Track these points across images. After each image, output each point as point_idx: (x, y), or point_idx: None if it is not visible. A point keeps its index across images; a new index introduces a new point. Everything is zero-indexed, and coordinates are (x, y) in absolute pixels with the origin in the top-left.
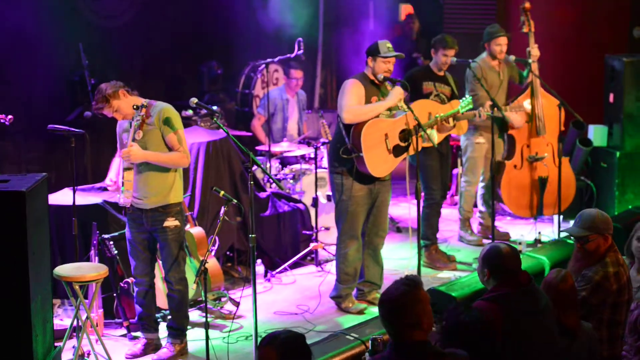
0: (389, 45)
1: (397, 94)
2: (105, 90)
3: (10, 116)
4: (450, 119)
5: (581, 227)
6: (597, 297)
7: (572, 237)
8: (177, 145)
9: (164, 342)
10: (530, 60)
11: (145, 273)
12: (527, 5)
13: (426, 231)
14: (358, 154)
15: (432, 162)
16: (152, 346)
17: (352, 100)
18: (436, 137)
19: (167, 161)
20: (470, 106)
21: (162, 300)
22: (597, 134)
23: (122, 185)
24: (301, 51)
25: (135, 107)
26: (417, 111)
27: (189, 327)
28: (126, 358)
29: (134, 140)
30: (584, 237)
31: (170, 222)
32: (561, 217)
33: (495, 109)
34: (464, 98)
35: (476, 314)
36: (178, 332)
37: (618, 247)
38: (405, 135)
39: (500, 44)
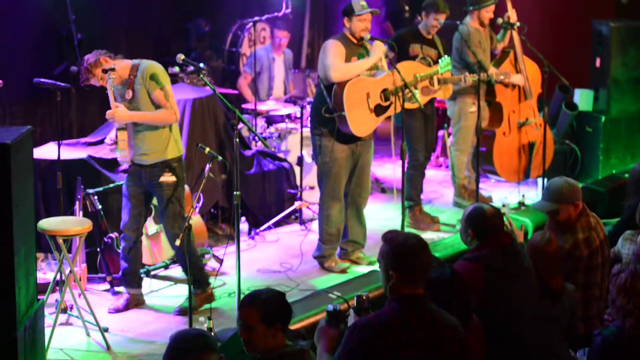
0: (363, 3)
1: (379, 49)
2: (87, 61)
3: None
4: (436, 82)
5: (550, 199)
6: (569, 264)
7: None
8: (163, 101)
9: (147, 299)
10: (517, 24)
11: (134, 229)
12: None
13: (410, 192)
14: (340, 113)
15: (416, 124)
16: (135, 301)
17: (336, 59)
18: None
19: (153, 119)
20: (449, 67)
21: (146, 256)
22: (582, 98)
23: (117, 145)
24: (289, 10)
25: (103, 70)
26: (402, 72)
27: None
28: (109, 312)
29: (120, 100)
30: (554, 210)
31: (167, 178)
32: (545, 179)
33: (483, 73)
34: (442, 58)
35: (447, 271)
36: (194, 283)
37: (603, 210)
38: (386, 94)
39: (491, 11)
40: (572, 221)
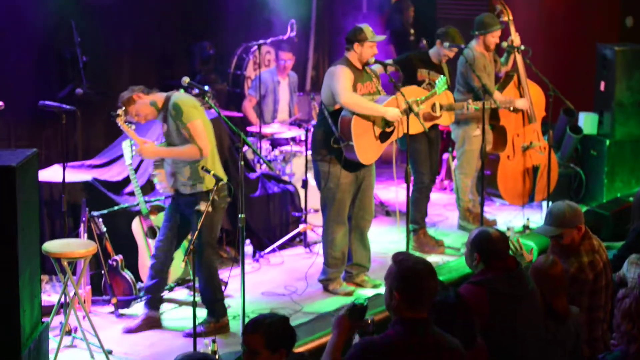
0: (370, 28)
1: (394, 112)
2: (121, 99)
3: (1, 103)
4: (438, 109)
5: (553, 224)
6: (575, 288)
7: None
8: (190, 137)
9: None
10: (521, 47)
11: (163, 250)
12: None
13: (415, 215)
14: (348, 143)
15: (421, 147)
16: (150, 323)
17: (347, 84)
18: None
19: (180, 155)
20: (446, 86)
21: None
22: (587, 121)
23: (155, 178)
24: (294, 33)
25: (111, 116)
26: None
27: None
28: (122, 333)
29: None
30: (557, 234)
31: (202, 207)
32: (549, 202)
33: (488, 99)
34: (439, 79)
35: (451, 294)
36: (209, 312)
37: (607, 234)
38: (388, 121)
39: (497, 36)
40: (575, 245)
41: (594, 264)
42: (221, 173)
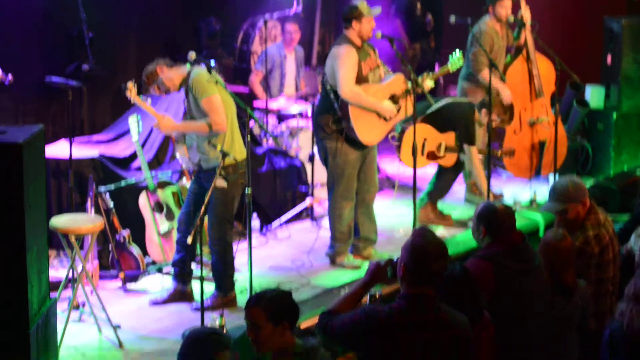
0: (366, 3)
1: (399, 82)
2: (144, 72)
3: (10, 75)
4: (442, 149)
5: (557, 200)
6: (581, 262)
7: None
8: (208, 111)
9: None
10: (528, 22)
11: (186, 223)
12: None
13: (432, 188)
14: (348, 124)
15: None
16: (178, 296)
17: (351, 73)
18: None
19: (195, 130)
20: (460, 62)
21: (158, 254)
22: (594, 95)
23: (177, 152)
24: (300, 7)
25: (123, 88)
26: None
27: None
28: (150, 305)
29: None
30: (562, 210)
31: (219, 183)
32: (557, 176)
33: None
34: (453, 53)
35: (457, 268)
36: (217, 286)
37: (614, 207)
38: (395, 99)
39: (506, 6)
40: (581, 219)
41: (599, 237)
42: (241, 149)
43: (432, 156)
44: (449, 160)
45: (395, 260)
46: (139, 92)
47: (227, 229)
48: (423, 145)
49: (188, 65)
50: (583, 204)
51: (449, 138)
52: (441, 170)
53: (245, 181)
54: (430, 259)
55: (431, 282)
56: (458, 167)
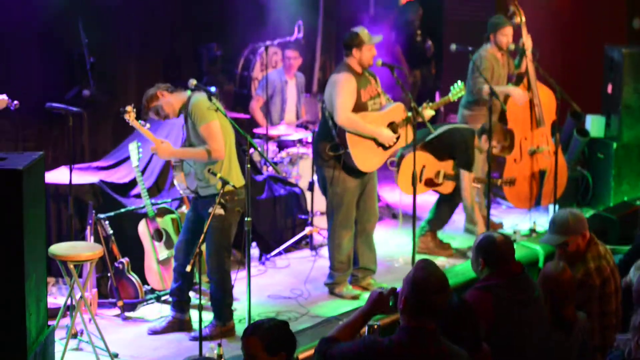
0: (366, 31)
1: (399, 111)
2: (145, 97)
3: (16, 101)
4: (441, 177)
5: (557, 233)
6: (582, 294)
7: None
8: (206, 138)
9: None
10: (529, 50)
11: (183, 251)
12: None
13: (432, 217)
14: (345, 151)
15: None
16: (176, 324)
17: (348, 100)
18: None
19: (193, 156)
20: (462, 92)
21: (156, 282)
22: (594, 124)
23: (175, 179)
24: (301, 34)
25: (120, 112)
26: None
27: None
28: (148, 333)
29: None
30: (562, 242)
31: (217, 211)
32: (557, 206)
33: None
34: (455, 84)
35: (455, 299)
36: (216, 315)
37: (614, 237)
38: (394, 127)
39: (507, 34)
40: (581, 251)
41: (600, 269)
42: (238, 176)
43: (430, 183)
44: (447, 187)
45: (397, 290)
46: (138, 117)
47: (225, 258)
48: (421, 172)
49: (189, 92)
50: (583, 236)
51: (448, 166)
52: (441, 199)
53: (243, 209)
54: (430, 292)
55: (432, 316)
56: (458, 196)
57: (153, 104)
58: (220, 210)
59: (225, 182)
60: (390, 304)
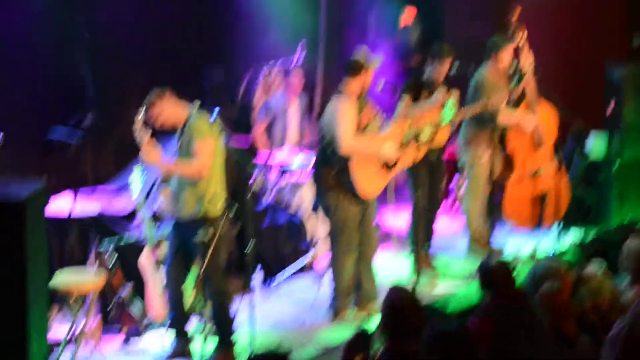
0: (367, 55)
1: (391, 153)
2: (152, 93)
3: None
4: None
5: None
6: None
7: None
8: (196, 154)
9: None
10: (531, 68)
11: (173, 278)
12: (517, 13)
13: (412, 238)
14: (348, 177)
15: (419, 171)
16: (178, 355)
17: (349, 126)
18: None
19: (177, 169)
20: (452, 114)
21: (157, 311)
22: (596, 143)
23: (161, 196)
24: (302, 57)
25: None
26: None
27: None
28: None
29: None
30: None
31: (201, 237)
32: (560, 225)
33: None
34: (447, 103)
35: (454, 324)
36: (218, 341)
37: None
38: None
39: (508, 54)
40: (566, 301)
41: (596, 306)
42: (222, 201)
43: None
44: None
45: (359, 332)
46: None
47: (222, 279)
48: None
49: (192, 109)
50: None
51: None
52: (414, 220)
53: (230, 233)
54: (402, 314)
55: (410, 337)
56: (427, 211)
57: (157, 103)
58: (209, 236)
59: (228, 209)
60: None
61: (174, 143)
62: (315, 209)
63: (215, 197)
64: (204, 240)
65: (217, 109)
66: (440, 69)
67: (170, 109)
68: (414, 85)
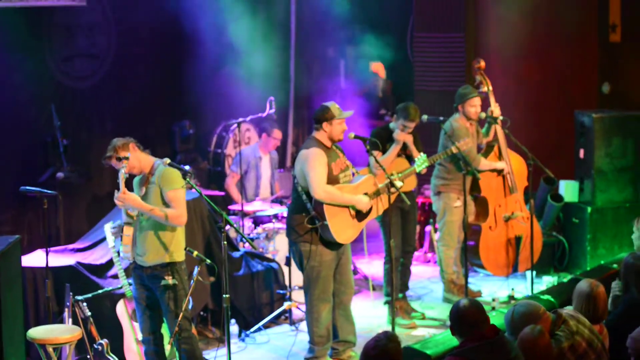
0: (337, 105)
1: (365, 202)
2: (115, 143)
3: None
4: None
5: (512, 334)
6: None
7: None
8: (175, 202)
9: None
10: (500, 118)
11: (150, 332)
12: (482, 64)
13: (387, 287)
14: (323, 223)
15: (392, 219)
16: None
17: (322, 174)
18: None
19: (161, 216)
20: (426, 163)
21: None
22: (568, 189)
23: (121, 240)
24: (273, 110)
25: (117, 158)
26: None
27: None
28: None
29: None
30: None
31: (168, 281)
32: (534, 272)
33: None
34: (419, 156)
35: None
36: None
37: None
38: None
39: (475, 104)
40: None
41: (574, 346)
42: (183, 243)
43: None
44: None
45: None
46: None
47: (187, 326)
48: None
49: (155, 159)
50: (544, 322)
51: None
52: (385, 268)
53: (201, 284)
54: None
55: None
56: (402, 259)
57: (123, 153)
58: (173, 281)
59: (202, 260)
60: None
61: (136, 189)
62: (289, 259)
63: (180, 243)
64: (168, 284)
65: (188, 167)
66: (405, 129)
67: (135, 158)
68: (381, 139)
